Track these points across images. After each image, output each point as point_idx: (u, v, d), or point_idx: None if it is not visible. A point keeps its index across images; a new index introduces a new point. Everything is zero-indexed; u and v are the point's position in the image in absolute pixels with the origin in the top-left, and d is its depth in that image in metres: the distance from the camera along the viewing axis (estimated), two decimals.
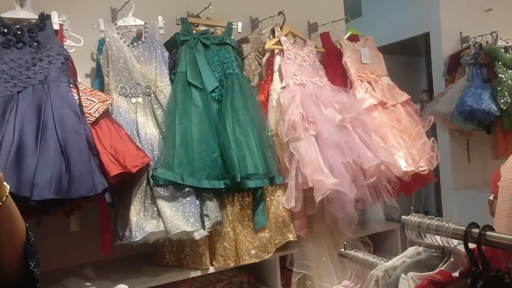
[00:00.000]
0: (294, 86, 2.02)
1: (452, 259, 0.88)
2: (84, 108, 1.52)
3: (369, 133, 2.03)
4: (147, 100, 1.79)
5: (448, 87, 3.01)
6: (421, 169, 2.13)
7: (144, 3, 1.98)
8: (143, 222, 1.59)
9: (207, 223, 1.68)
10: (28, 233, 0.82)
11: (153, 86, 1.81)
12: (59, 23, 1.64)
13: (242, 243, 1.80)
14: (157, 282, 1.68)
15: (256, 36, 2.17)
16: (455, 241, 0.88)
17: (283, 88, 2.02)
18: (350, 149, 1.93)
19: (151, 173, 1.64)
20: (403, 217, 0.96)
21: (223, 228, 1.78)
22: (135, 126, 1.72)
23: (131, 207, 1.61)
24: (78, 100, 1.52)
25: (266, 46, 2.07)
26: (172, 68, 1.89)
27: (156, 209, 1.63)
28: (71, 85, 1.54)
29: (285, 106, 1.95)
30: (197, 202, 1.69)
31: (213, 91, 1.88)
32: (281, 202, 1.88)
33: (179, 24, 1.95)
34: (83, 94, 1.55)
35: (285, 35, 2.14)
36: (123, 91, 1.76)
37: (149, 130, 1.74)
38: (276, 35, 2.12)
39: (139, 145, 1.66)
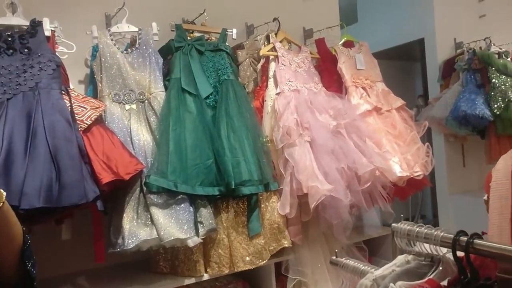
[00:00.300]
0: (289, 92, 2.03)
1: (441, 268, 0.87)
2: (76, 115, 1.51)
3: (363, 139, 2.03)
4: (140, 107, 1.79)
5: (443, 92, 3.02)
6: (416, 174, 2.13)
7: (138, 10, 1.98)
8: (136, 230, 1.58)
9: (201, 230, 1.67)
10: (25, 236, 0.86)
11: (147, 92, 1.81)
12: (51, 30, 1.63)
13: (236, 250, 1.80)
14: None
15: (251, 43, 2.18)
16: (445, 249, 0.88)
17: (278, 94, 2.02)
18: (344, 155, 1.93)
19: (144, 180, 1.63)
20: (393, 225, 0.95)
21: (218, 235, 1.77)
22: (129, 133, 1.72)
23: (124, 214, 1.60)
24: (69, 107, 1.51)
25: (261, 53, 2.07)
26: (167, 75, 1.89)
27: (149, 216, 1.62)
28: (63, 92, 1.53)
29: (279, 112, 1.95)
30: (191, 209, 1.69)
31: (207, 97, 1.88)
32: (276, 208, 1.87)
33: (173, 30, 1.95)
34: (75, 101, 1.54)
35: (280, 42, 2.15)
36: (117, 97, 1.76)
37: (142, 137, 1.73)
38: (271, 41, 2.13)
39: (132, 152, 1.65)
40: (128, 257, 1.81)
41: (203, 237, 1.69)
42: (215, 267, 1.78)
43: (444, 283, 0.84)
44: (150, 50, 1.85)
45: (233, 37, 2.06)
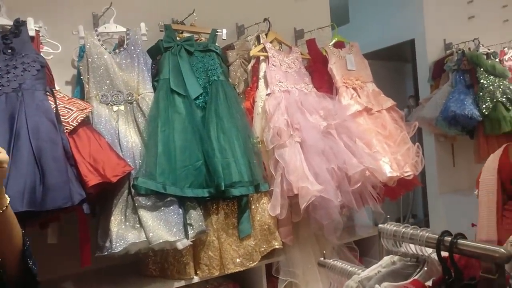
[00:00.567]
0: (279, 93, 2.02)
1: (426, 268, 0.87)
2: (61, 116, 1.49)
3: (354, 139, 2.03)
4: (129, 108, 1.77)
5: (433, 93, 3.04)
6: (406, 174, 2.14)
7: (126, 10, 1.96)
8: (124, 233, 1.56)
9: (191, 232, 1.66)
10: (24, 238, 0.92)
11: (135, 93, 1.79)
12: (35, 29, 1.60)
13: (227, 251, 1.78)
14: None
15: (241, 43, 2.17)
16: (430, 250, 0.88)
17: (268, 95, 2.01)
18: (335, 156, 1.93)
19: (132, 182, 1.61)
20: (379, 225, 0.95)
21: (208, 237, 1.76)
22: (117, 135, 1.69)
23: (112, 217, 1.58)
24: (54, 108, 1.48)
25: (251, 53, 2.07)
26: (155, 76, 1.87)
27: (137, 219, 1.60)
28: (48, 93, 1.51)
29: (270, 113, 1.94)
30: (180, 211, 1.67)
31: (197, 98, 1.86)
32: (267, 209, 1.87)
33: (162, 31, 1.94)
34: (61, 102, 1.52)
35: (271, 42, 2.14)
36: (104, 99, 1.74)
37: (130, 138, 1.71)
38: (261, 42, 2.12)
39: (120, 154, 1.63)
40: (116, 260, 1.78)
41: (192, 240, 1.67)
42: (205, 270, 1.76)
43: (429, 283, 0.84)
44: (138, 50, 1.83)
45: (223, 38, 2.05)
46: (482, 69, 2.84)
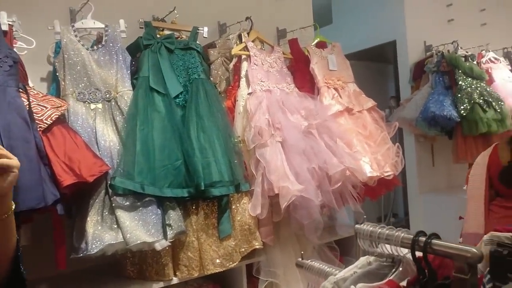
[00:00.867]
0: (261, 92, 2.01)
1: (401, 268, 0.88)
2: (35, 114, 1.44)
3: (334, 139, 2.04)
4: (107, 106, 1.73)
5: (414, 94, 3.09)
6: (386, 174, 2.16)
7: (106, 5, 1.92)
8: (100, 233, 1.53)
9: (170, 233, 1.63)
10: (18, 243, 0.93)
11: (113, 91, 1.75)
12: (8, 24, 1.55)
13: (206, 252, 1.77)
14: None
15: (223, 41, 2.15)
16: (406, 250, 0.88)
17: (249, 94, 2.00)
18: (315, 155, 1.93)
19: (109, 182, 1.58)
20: (356, 226, 0.95)
21: (187, 237, 1.74)
22: (94, 134, 1.65)
23: (88, 218, 1.54)
24: (27, 106, 1.43)
25: (233, 52, 2.05)
26: (135, 73, 1.84)
27: (115, 219, 1.57)
28: (20, 90, 1.46)
29: (251, 112, 1.93)
30: (159, 211, 1.64)
31: (177, 96, 1.83)
32: (247, 209, 1.86)
33: (142, 27, 1.90)
34: (34, 100, 1.47)
35: (253, 41, 2.13)
36: (81, 96, 1.69)
37: (108, 137, 1.67)
38: (243, 40, 2.11)
39: (97, 153, 1.59)
40: (93, 261, 1.75)
41: (171, 240, 1.64)
42: (185, 270, 1.74)
43: (404, 283, 0.85)
44: (117, 47, 1.80)
45: (204, 36, 2.03)
46: (460, 71, 2.90)
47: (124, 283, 1.72)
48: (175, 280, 1.74)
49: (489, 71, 3.19)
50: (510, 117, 2.92)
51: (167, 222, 1.65)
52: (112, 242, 1.52)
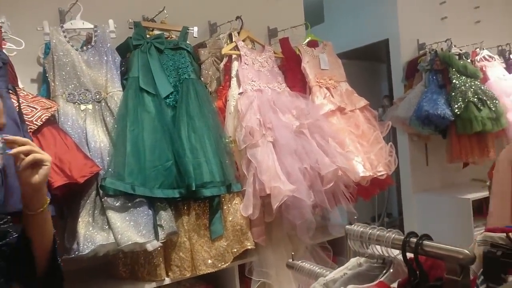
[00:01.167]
0: (252, 92, 2.00)
1: (392, 270, 0.87)
2: (24, 115, 1.44)
3: (326, 139, 2.03)
4: (97, 107, 1.72)
5: (407, 93, 3.09)
6: (379, 173, 2.16)
7: (95, 6, 1.91)
8: (92, 234, 1.53)
9: (161, 234, 1.63)
10: (55, 237, 1.00)
11: (103, 92, 1.74)
12: None
13: (198, 253, 1.76)
14: None
15: (213, 41, 2.14)
16: (397, 251, 0.88)
17: (240, 94, 1.99)
18: (307, 155, 1.93)
19: (100, 183, 1.57)
20: (346, 226, 0.95)
21: (179, 238, 1.74)
22: (84, 135, 1.65)
23: (79, 218, 1.54)
24: (17, 107, 1.43)
25: (223, 51, 2.04)
26: (125, 74, 1.83)
27: (106, 220, 1.57)
28: (10, 91, 1.45)
29: (242, 112, 1.92)
30: (150, 212, 1.64)
31: (167, 97, 1.83)
32: (239, 209, 1.85)
33: (132, 28, 1.89)
34: (24, 101, 1.46)
35: (243, 40, 2.12)
36: (71, 97, 1.69)
37: (99, 138, 1.67)
38: (233, 40, 2.10)
39: (88, 154, 1.59)
40: (85, 262, 1.74)
41: (163, 241, 1.64)
42: (177, 271, 1.74)
43: (395, 285, 0.84)
44: (106, 48, 1.79)
45: (194, 35, 2.02)
46: (454, 69, 2.88)
47: (116, 283, 1.72)
48: (167, 281, 1.74)
49: (484, 69, 3.16)
50: (505, 115, 2.91)
51: (158, 223, 1.65)
52: (103, 243, 1.53)
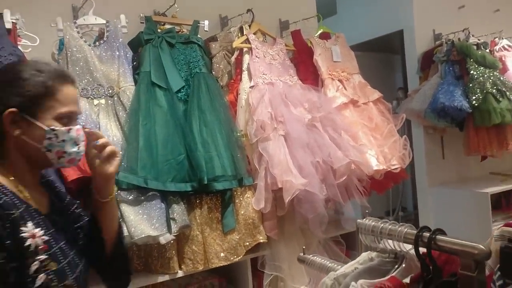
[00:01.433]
0: (263, 85, 1.99)
1: (404, 265, 0.85)
2: None
3: (339, 132, 2.01)
4: (110, 102, 1.74)
5: (422, 85, 3.01)
6: (393, 167, 2.12)
7: (107, 1, 1.92)
8: None
9: (174, 227, 1.65)
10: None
11: (116, 87, 1.76)
12: (12, 22, 1.56)
13: (211, 246, 1.77)
14: None
15: (224, 35, 2.13)
16: (409, 246, 0.86)
17: (252, 87, 1.98)
18: (319, 149, 1.91)
19: None
20: (357, 221, 0.93)
21: (191, 231, 1.75)
22: (97, 129, 1.67)
23: None
24: None
25: (234, 45, 2.03)
26: (136, 68, 1.84)
27: (119, 213, 1.59)
28: None
29: (253, 106, 1.91)
30: (163, 205, 1.66)
31: (179, 91, 1.83)
32: (251, 203, 1.85)
33: (143, 22, 1.90)
34: None
35: (254, 33, 2.11)
36: (85, 92, 1.71)
37: (111, 132, 1.69)
38: (244, 33, 2.08)
39: None
40: None
41: (176, 234, 1.66)
42: (189, 264, 1.75)
43: (407, 280, 0.82)
44: (118, 43, 1.80)
45: (205, 29, 2.01)
46: (472, 60, 2.79)
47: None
48: (180, 273, 1.75)
49: (503, 59, 3.05)
50: None
51: (171, 216, 1.67)
52: None
